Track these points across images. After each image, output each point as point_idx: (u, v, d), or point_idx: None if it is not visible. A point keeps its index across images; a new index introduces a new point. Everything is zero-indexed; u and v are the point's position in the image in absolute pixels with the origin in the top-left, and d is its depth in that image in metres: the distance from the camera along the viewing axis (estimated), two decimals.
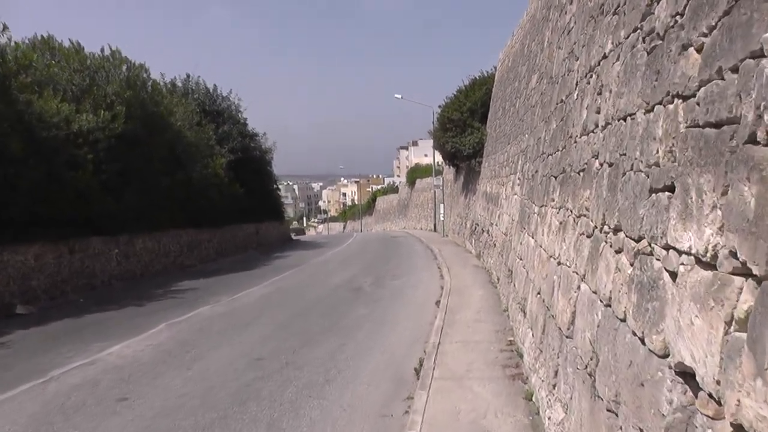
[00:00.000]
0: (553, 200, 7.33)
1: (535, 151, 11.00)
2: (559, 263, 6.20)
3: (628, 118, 4.01)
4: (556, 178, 7.35)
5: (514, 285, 10.95)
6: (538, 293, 7.41)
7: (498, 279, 15.41)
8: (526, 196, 11.30)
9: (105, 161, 20.73)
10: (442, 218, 41.96)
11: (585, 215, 5.18)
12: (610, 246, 4.10)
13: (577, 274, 5.17)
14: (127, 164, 21.80)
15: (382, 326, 11.99)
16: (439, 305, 13.65)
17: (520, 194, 13.09)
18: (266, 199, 39.51)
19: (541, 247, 7.84)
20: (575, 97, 6.55)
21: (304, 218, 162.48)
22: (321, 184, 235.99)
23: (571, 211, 5.90)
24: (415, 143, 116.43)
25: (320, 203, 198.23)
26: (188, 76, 34.49)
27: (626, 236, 3.71)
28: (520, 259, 10.49)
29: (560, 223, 6.50)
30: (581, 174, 5.62)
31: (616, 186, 4.10)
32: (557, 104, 8.11)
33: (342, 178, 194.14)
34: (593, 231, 4.73)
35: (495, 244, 18.15)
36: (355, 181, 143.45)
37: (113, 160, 20.97)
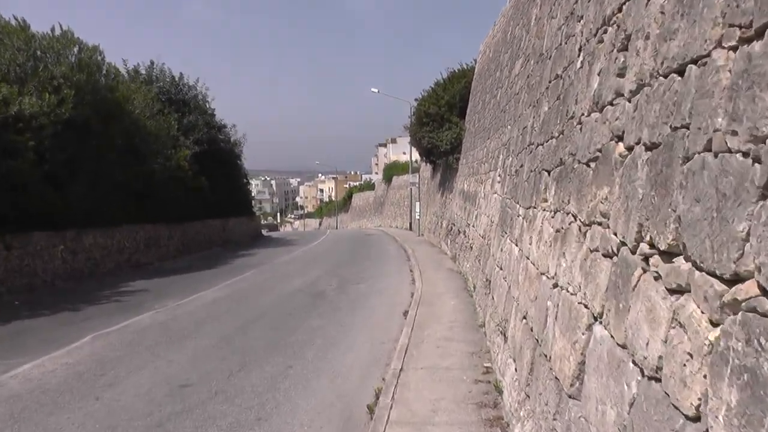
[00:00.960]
0: (545, 201, 5.76)
1: (519, 143, 9.45)
2: (555, 285, 4.62)
3: (692, 66, 2.42)
4: (549, 172, 5.77)
5: (493, 298, 9.38)
6: (524, 318, 5.83)
7: (474, 287, 13.86)
8: (509, 195, 9.73)
9: (50, 149, 18.83)
10: (417, 217, 40.41)
11: (600, 223, 3.60)
12: (658, 279, 2.50)
13: (586, 308, 3.59)
14: (75, 153, 19.90)
15: (337, 342, 10.34)
16: (407, 316, 12.04)
17: (501, 193, 11.54)
18: (235, 194, 37.63)
19: (527, 258, 6.26)
20: (579, 65, 4.97)
21: (278, 214, 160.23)
22: (299, 179, 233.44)
23: (575, 217, 4.32)
24: (393, 141, 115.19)
25: (297, 199, 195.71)
26: (152, 62, 32.47)
27: (700, 269, 2.10)
28: (501, 269, 8.92)
29: (556, 231, 4.92)
30: (592, 165, 4.03)
31: (668, 179, 2.51)
32: (550, 82, 6.53)
33: (320, 174, 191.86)
34: (618, 249, 3.14)
35: (471, 247, 16.62)
36: (333, 178, 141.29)
37: (59, 148, 19.06)
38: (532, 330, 5.30)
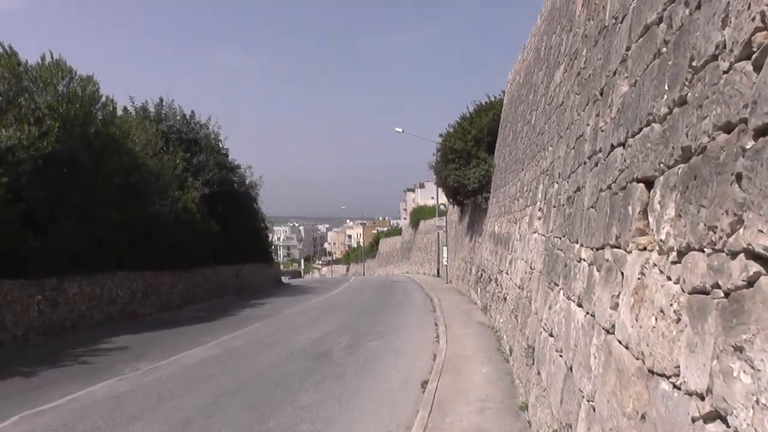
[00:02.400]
0: (644, 234, 3.23)
1: (570, 160, 6.94)
2: (713, 418, 2.05)
3: None
4: (651, 182, 3.24)
5: (540, 375, 6.76)
6: None
7: (510, 349, 11.21)
8: (558, 233, 7.17)
9: (27, 186, 16.84)
10: (445, 263, 37.75)
11: None
12: None
13: None
14: (59, 191, 17.90)
15: None
16: (425, 389, 9.41)
17: (543, 231, 8.98)
18: (250, 239, 35.43)
19: (608, 333, 3.69)
20: None
21: (302, 260, 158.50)
22: (327, 225, 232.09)
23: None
24: (422, 185, 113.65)
25: (326, 245, 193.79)
26: (161, 99, 30.81)
27: None
28: (551, 336, 6.31)
29: (695, 292, 2.36)
30: None
31: None
32: (638, 39, 4.05)
33: (348, 220, 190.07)
34: None
35: (505, 299, 13.98)
36: (361, 224, 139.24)
37: (39, 185, 17.08)
38: None
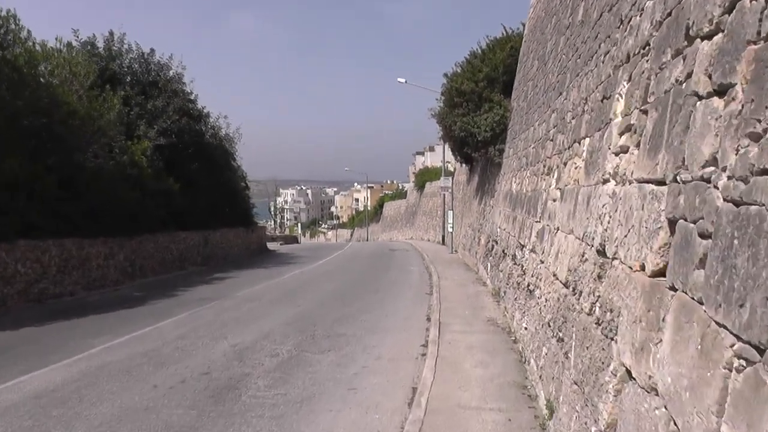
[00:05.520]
0: None
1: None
2: None
3: None
4: None
5: None
6: None
7: (540, 374, 6.29)
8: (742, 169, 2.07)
9: None
10: (450, 229, 32.72)
11: None
12: None
13: None
14: None
15: None
16: None
17: (646, 171, 3.90)
18: (226, 201, 30.33)
19: None
20: None
21: (299, 225, 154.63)
22: (335, 189, 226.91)
23: None
24: (431, 148, 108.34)
25: (333, 209, 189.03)
26: (111, 34, 25.47)
27: None
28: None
29: None
30: None
31: None
32: None
33: (356, 184, 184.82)
34: None
35: (531, 291, 8.98)
36: (369, 187, 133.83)
37: None
38: None
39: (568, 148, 7.60)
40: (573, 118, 7.61)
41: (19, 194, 15.67)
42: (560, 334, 5.97)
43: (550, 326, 6.68)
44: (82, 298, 16.99)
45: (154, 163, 23.36)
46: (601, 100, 5.86)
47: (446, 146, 31.01)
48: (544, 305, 7.30)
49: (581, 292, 5.28)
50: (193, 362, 9.15)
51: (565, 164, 7.71)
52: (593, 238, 5.18)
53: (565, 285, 6.13)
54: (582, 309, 5.14)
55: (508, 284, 12.81)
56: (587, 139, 6.33)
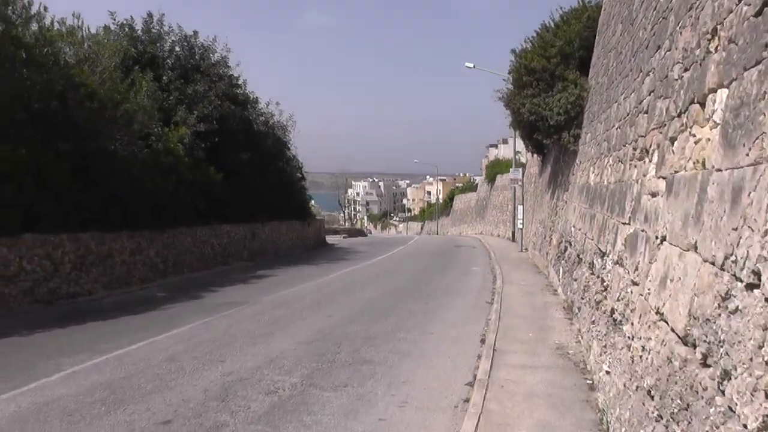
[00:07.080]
0: None
1: None
2: None
3: None
4: None
5: None
6: None
7: None
8: None
9: None
10: (520, 225, 29.84)
11: None
12: None
13: None
14: None
15: None
16: None
17: None
18: (278, 192, 28.48)
19: None
20: None
21: (365, 218, 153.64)
22: (408, 181, 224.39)
23: None
24: (504, 141, 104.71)
25: (405, 201, 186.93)
26: (150, 15, 23.86)
27: None
28: None
29: None
30: None
31: None
32: None
33: (428, 176, 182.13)
34: None
35: (617, 321, 6.36)
36: (441, 179, 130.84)
37: None
38: None
39: (679, 115, 4.96)
40: (686, 70, 4.96)
41: (23, 183, 14.06)
42: (673, 426, 3.41)
43: (651, 396, 4.12)
44: (99, 299, 15.30)
45: (193, 151, 21.65)
46: (755, 15, 3.26)
47: (516, 135, 28.16)
48: (640, 356, 4.72)
49: (726, 373, 2.73)
50: (161, 401, 6.97)
51: (672, 141, 5.08)
52: (753, 270, 2.62)
53: (683, 341, 3.56)
54: (727, 410, 2.59)
55: (583, 299, 10.15)
56: (723, 91, 3.72)
